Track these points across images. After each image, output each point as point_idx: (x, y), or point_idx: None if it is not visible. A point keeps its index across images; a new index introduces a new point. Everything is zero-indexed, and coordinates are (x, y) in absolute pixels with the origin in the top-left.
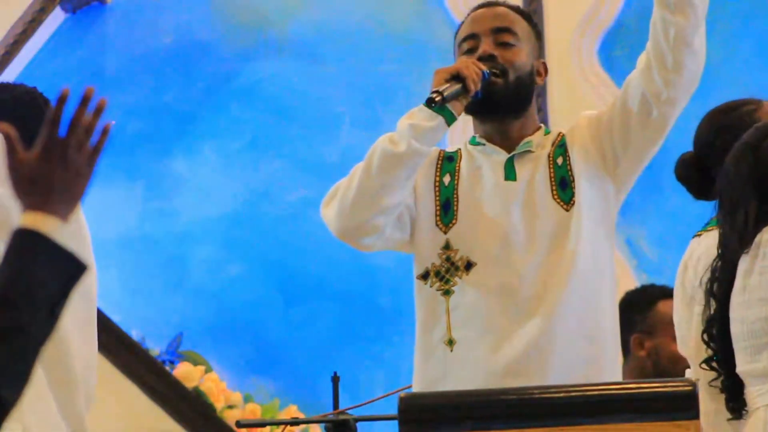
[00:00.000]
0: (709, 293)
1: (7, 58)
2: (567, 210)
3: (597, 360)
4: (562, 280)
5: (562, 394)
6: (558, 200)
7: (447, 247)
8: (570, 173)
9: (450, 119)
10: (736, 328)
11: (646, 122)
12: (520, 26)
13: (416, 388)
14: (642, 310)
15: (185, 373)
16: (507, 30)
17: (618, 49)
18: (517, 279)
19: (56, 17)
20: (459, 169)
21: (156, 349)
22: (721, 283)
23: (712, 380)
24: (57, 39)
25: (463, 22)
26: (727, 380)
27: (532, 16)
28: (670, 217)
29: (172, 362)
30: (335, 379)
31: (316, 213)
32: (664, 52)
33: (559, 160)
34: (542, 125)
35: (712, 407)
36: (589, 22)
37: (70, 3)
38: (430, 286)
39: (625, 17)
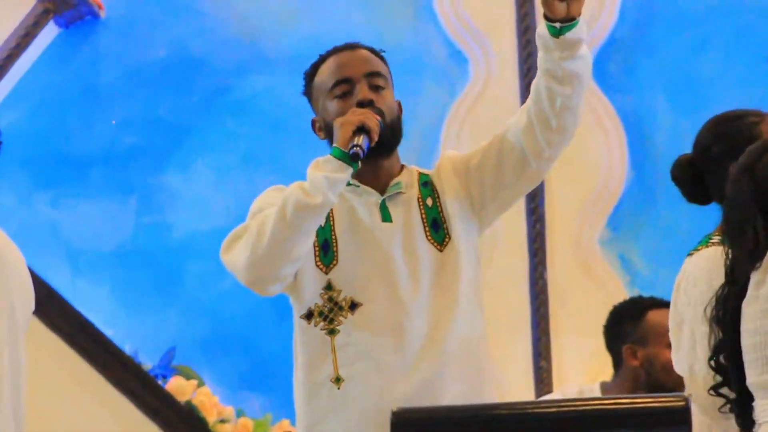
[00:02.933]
0: (715, 320)
1: (0, 72)
2: (441, 250)
3: (481, 396)
4: (449, 319)
5: (554, 410)
6: (432, 241)
7: (329, 287)
8: (441, 214)
9: (356, 169)
10: (747, 340)
11: (521, 175)
12: (384, 68)
13: (300, 424)
14: (633, 320)
15: (178, 387)
16: (378, 74)
17: (612, 64)
18: (405, 318)
19: (50, 31)
20: (333, 211)
21: (149, 363)
22: (729, 305)
23: (721, 406)
24: (50, 53)
25: (323, 62)
26: (739, 398)
27: (526, 31)
28: (663, 232)
29: (164, 376)
30: None
31: None
32: (549, 117)
33: (429, 201)
34: (404, 164)
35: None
36: None
37: (64, 17)
38: (315, 326)
39: (619, 32)
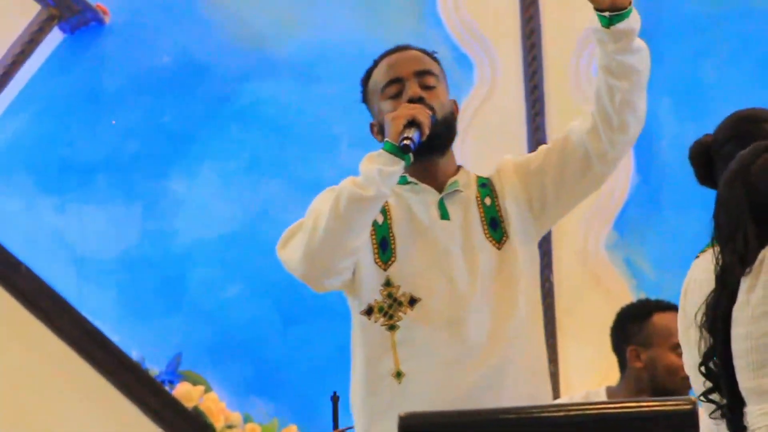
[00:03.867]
0: (705, 325)
1: (5, 78)
2: (499, 248)
3: (539, 394)
4: (510, 315)
5: (562, 413)
6: (490, 239)
7: (388, 284)
8: (500, 214)
9: (408, 163)
10: (739, 345)
11: (583, 177)
12: (436, 67)
13: (359, 421)
14: (638, 322)
15: (185, 392)
16: (428, 72)
17: None
18: (464, 313)
19: (54, 37)
20: (389, 209)
21: (155, 369)
22: (719, 310)
23: (712, 412)
24: (55, 59)
25: (376, 67)
26: (730, 403)
27: (530, 35)
28: (669, 236)
29: (171, 382)
30: (335, 399)
31: None
32: (610, 114)
33: (487, 201)
34: (461, 165)
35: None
36: (587, 42)
37: (69, 23)
38: (375, 322)
39: None
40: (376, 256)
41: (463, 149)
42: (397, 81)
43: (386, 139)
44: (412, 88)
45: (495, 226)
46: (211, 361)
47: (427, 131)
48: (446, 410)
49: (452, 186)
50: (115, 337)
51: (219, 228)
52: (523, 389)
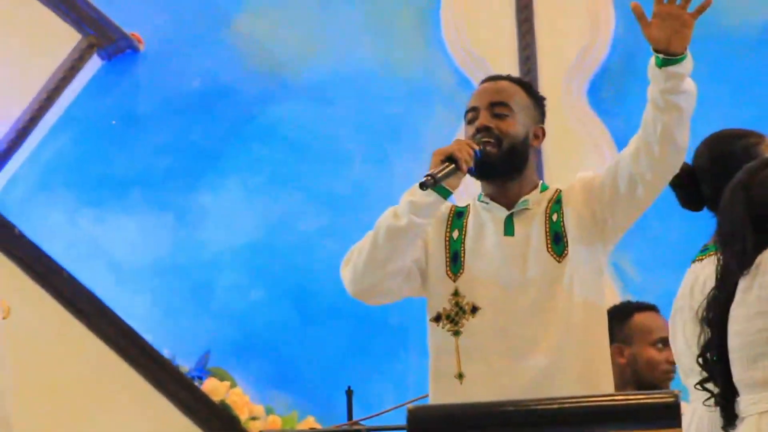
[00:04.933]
0: (705, 320)
1: (49, 102)
2: (559, 261)
3: None
4: (558, 325)
5: (556, 406)
6: (551, 253)
7: (456, 293)
8: (563, 229)
9: (445, 195)
10: (734, 341)
11: (631, 197)
12: (517, 98)
13: None
14: (620, 322)
15: (212, 387)
16: (502, 104)
17: (605, 91)
18: (514, 323)
19: (94, 64)
20: (466, 225)
21: (186, 366)
22: (718, 307)
23: (706, 400)
24: (94, 83)
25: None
26: (723, 392)
27: (527, 61)
28: (654, 242)
29: (200, 378)
30: (349, 393)
31: (330, 241)
32: (652, 143)
33: (554, 217)
34: (540, 182)
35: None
36: (578, 67)
37: (106, 51)
38: (442, 328)
39: (611, 62)
40: (448, 268)
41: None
42: (473, 110)
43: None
44: (481, 119)
45: (558, 241)
46: (237, 359)
47: (464, 167)
48: (452, 403)
49: (521, 204)
50: (148, 337)
51: (243, 237)
52: (571, 393)
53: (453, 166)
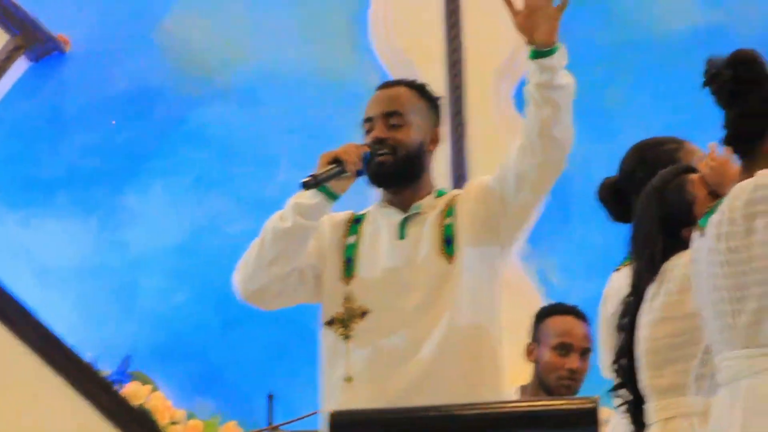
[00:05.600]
0: (619, 327)
1: None
2: (450, 263)
3: (473, 396)
4: (444, 326)
5: (476, 411)
6: (443, 255)
7: (348, 298)
8: (455, 231)
9: (331, 197)
10: (641, 346)
11: (519, 197)
12: (412, 105)
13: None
14: (538, 321)
15: (133, 391)
16: (396, 113)
17: None
18: (402, 324)
19: (20, 65)
20: (363, 230)
21: (107, 369)
22: (630, 313)
23: (619, 405)
24: (21, 85)
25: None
26: (634, 399)
27: (454, 63)
28: (576, 248)
29: (121, 382)
30: (270, 397)
31: None
32: (533, 140)
33: (448, 220)
34: (435, 188)
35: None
36: (506, 71)
37: (33, 52)
38: (335, 332)
39: None
40: (342, 273)
41: None
42: (368, 120)
43: None
44: (375, 130)
45: (449, 243)
46: (159, 363)
47: (352, 168)
48: (373, 408)
49: (414, 209)
50: (70, 340)
51: (168, 240)
52: (456, 391)
53: (338, 168)
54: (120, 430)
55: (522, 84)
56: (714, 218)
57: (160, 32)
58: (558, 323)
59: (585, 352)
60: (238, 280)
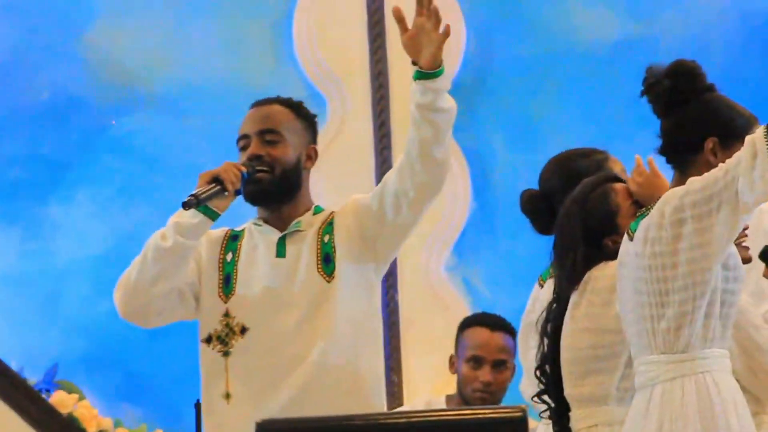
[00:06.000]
0: (543, 333)
1: None
2: (329, 282)
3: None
4: (323, 343)
5: (404, 420)
6: (322, 273)
7: (227, 314)
8: (333, 251)
9: (212, 216)
10: (564, 354)
11: (397, 215)
12: (287, 122)
13: None
14: (459, 332)
15: (60, 400)
16: (271, 131)
17: (456, 105)
18: (281, 341)
19: None
20: (240, 248)
21: (33, 378)
22: (555, 322)
23: (542, 411)
24: None
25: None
26: (556, 407)
27: (379, 75)
28: (502, 258)
29: (48, 390)
30: (197, 406)
31: None
32: (413, 160)
33: (326, 238)
34: (314, 205)
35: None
36: None
37: None
38: (212, 349)
39: (462, 76)
40: (220, 289)
41: (317, 181)
42: (244, 137)
43: None
44: (252, 147)
45: (328, 261)
46: (85, 371)
47: (230, 188)
48: (300, 417)
49: (294, 226)
50: None
51: (93, 249)
52: (335, 409)
53: (218, 187)
54: None
55: None
56: (644, 222)
57: (83, 42)
58: (471, 336)
59: (499, 364)
60: (118, 297)
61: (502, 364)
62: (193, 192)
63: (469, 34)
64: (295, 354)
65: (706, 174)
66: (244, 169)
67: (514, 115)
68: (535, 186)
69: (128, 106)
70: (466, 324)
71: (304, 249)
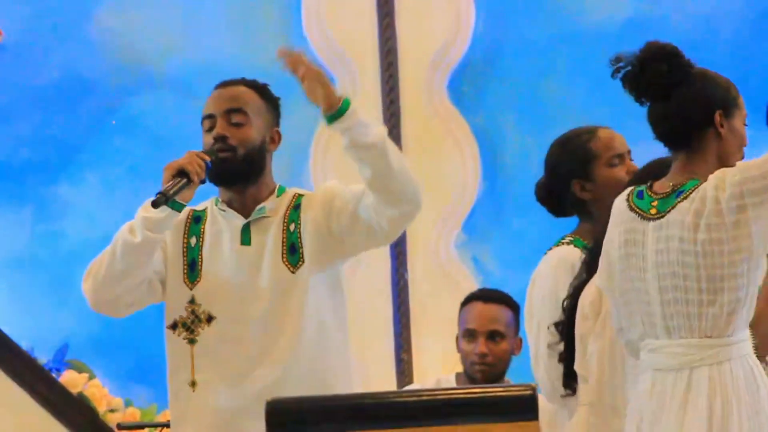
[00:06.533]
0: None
1: None
2: (293, 272)
3: None
4: (290, 336)
5: (414, 398)
6: (286, 263)
7: (192, 301)
8: (299, 240)
9: (178, 209)
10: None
11: (369, 232)
12: (253, 103)
13: (171, 424)
14: (461, 308)
15: (70, 379)
16: (238, 110)
17: (466, 85)
18: (248, 332)
19: None
20: (204, 231)
21: (44, 358)
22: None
23: (554, 342)
24: None
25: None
26: (566, 353)
27: (388, 54)
28: (512, 237)
29: (58, 370)
30: None
31: None
32: (375, 200)
33: (292, 227)
34: (277, 186)
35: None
36: (440, 61)
37: None
38: (178, 335)
39: (472, 55)
40: (185, 276)
41: (325, 161)
42: (209, 117)
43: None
44: (218, 127)
45: (293, 251)
46: (96, 352)
47: (196, 179)
48: (309, 396)
49: (258, 212)
50: (6, 329)
51: (103, 229)
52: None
53: (185, 181)
54: (58, 418)
55: (456, 74)
56: (685, 206)
57: (94, 22)
58: (465, 312)
59: (493, 335)
60: (88, 289)
61: (497, 335)
62: (161, 189)
63: (478, 14)
64: (263, 346)
65: (759, 160)
66: (207, 158)
67: (523, 94)
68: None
69: (138, 86)
70: (464, 302)
71: (269, 238)
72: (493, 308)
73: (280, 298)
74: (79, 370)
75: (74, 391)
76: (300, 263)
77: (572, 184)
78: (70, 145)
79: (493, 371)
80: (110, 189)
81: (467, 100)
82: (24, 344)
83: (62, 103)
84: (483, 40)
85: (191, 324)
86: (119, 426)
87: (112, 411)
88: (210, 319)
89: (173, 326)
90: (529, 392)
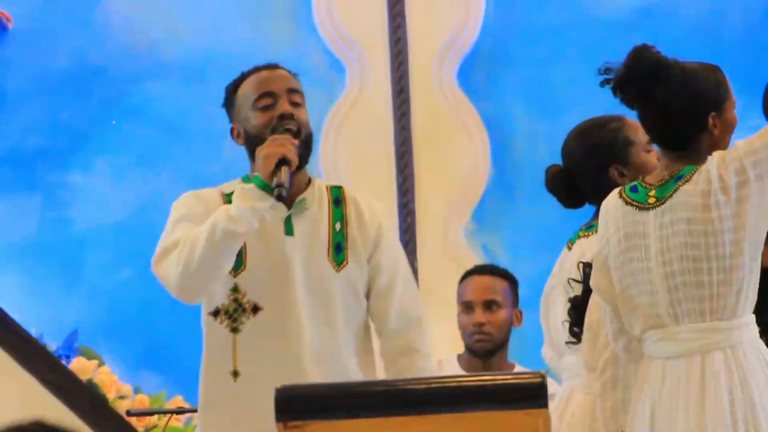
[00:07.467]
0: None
1: None
2: (337, 271)
3: None
4: (333, 332)
5: (423, 386)
6: (332, 261)
7: (236, 289)
8: (345, 241)
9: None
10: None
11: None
12: (300, 87)
13: (200, 410)
14: (460, 282)
15: (80, 366)
16: (297, 91)
17: (476, 73)
18: (297, 326)
19: None
20: None
21: (53, 344)
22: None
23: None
24: None
25: (245, 79)
26: (582, 299)
27: (398, 42)
28: (521, 224)
29: (68, 357)
30: None
31: None
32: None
33: (338, 226)
34: (311, 178)
35: None
36: (449, 49)
37: None
38: (220, 323)
39: (482, 43)
40: None
41: (336, 148)
42: (269, 95)
43: (256, 174)
44: (284, 106)
45: (339, 251)
46: (105, 338)
47: (295, 167)
48: (319, 382)
49: (300, 204)
50: (15, 315)
51: (112, 216)
52: None
53: (291, 170)
54: (68, 404)
55: (465, 63)
56: (689, 188)
57: (103, 9)
58: (460, 288)
59: (489, 304)
60: (175, 275)
61: (494, 304)
62: (277, 182)
63: (488, 2)
64: (309, 341)
65: (758, 134)
66: (296, 143)
67: (533, 82)
68: (554, 152)
69: (147, 73)
70: (467, 273)
71: (315, 231)
72: (486, 279)
73: (325, 295)
74: (89, 357)
75: (84, 377)
76: (344, 263)
77: (610, 169)
78: (79, 131)
79: (492, 340)
80: (120, 176)
81: (477, 88)
82: (33, 331)
83: (72, 90)
84: (493, 28)
85: (234, 312)
86: (128, 412)
87: (121, 398)
88: (256, 309)
89: (215, 313)
90: (538, 380)
